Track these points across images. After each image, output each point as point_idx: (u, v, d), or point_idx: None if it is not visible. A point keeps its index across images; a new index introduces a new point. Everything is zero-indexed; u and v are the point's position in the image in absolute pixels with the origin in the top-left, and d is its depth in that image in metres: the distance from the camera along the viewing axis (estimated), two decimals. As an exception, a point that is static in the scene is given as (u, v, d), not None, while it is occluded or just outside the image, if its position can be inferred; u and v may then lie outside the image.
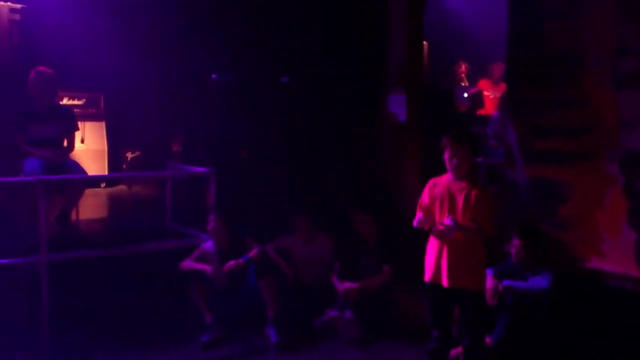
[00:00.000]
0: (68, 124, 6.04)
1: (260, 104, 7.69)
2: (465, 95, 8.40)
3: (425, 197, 4.35)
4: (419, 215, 4.24)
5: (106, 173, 7.84)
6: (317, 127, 7.32)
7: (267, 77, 7.79)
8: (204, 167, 5.88)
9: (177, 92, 8.42)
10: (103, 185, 7.88)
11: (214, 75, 8.01)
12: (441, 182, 4.32)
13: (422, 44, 7.02)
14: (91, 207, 6.79)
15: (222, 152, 7.36)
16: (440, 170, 4.34)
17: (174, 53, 8.45)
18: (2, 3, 7.30)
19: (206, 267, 5.25)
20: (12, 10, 7.38)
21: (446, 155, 4.23)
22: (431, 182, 4.39)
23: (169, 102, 8.36)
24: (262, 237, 5.65)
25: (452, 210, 4.19)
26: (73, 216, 5.95)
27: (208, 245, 5.49)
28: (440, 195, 4.27)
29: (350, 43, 7.05)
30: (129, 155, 8.26)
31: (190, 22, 8.24)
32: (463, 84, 8.68)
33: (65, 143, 6.02)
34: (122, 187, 8.10)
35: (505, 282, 4.63)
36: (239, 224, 5.58)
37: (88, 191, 6.43)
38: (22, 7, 7.39)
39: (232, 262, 5.25)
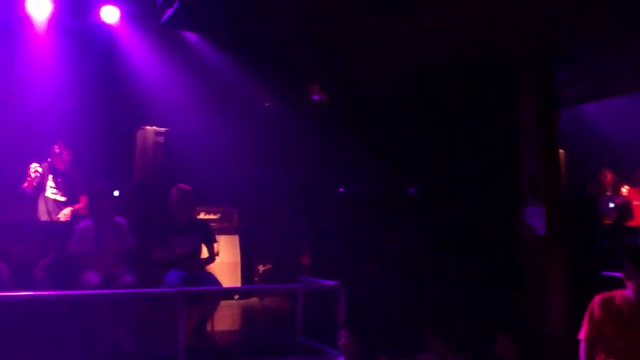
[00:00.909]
0: (206, 236, 6.33)
1: (388, 216, 7.68)
2: (612, 205, 7.93)
3: (595, 316, 3.96)
4: (587, 333, 3.92)
5: (239, 285, 8.01)
6: (447, 242, 7.17)
7: (394, 189, 7.82)
8: (334, 281, 5.86)
9: (307, 206, 8.62)
10: (236, 297, 8.05)
11: (341, 189, 8.15)
12: (615, 301, 3.95)
13: (558, 152, 6.82)
14: (225, 318, 6.90)
15: (351, 265, 7.35)
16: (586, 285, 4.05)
17: (303, 169, 8.74)
18: (148, 127, 7.95)
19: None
20: (157, 133, 8.00)
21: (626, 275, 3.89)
22: (599, 299, 4.00)
23: (299, 216, 8.56)
24: (394, 355, 5.45)
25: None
26: (208, 327, 6.07)
27: (339, 361, 5.37)
28: (617, 316, 3.90)
29: (480, 153, 6.98)
30: (261, 268, 8.44)
31: (318, 138, 8.54)
32: (608, 194, 8.26)
33: (203, 254, 6.29)
34: (254, 300, 8.22)
35: None
36: (370, 341, 5.43)
37: (222, 303, 6.56)
38: (165, 130, 7.98)
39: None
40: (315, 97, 8.95)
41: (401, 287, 7.02)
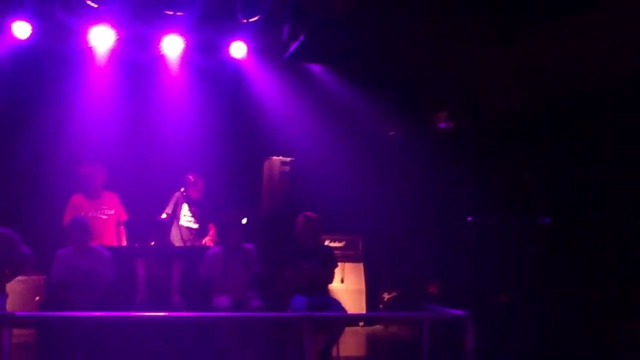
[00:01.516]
0: (328, 262, 6.38)
1: (519, 246, 7.39)
2: None
3: None
4: None
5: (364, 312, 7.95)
6: (581, 271, 6.78)
7: (526, 218, 7.53)
8: (462, 310, 5.67)
9: (434, 235, 8.47)
10: (361, 324, 7.99)
11: (469, 218, 7.95)
12: None
13: None
14: (350, 345, 6.85)
15: (480, 295, 7.11)
16: None
17: (430, 198, 8.61)
18: (275, 157, 8.16)
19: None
20: (282, 163, 8.19)
21: None
22: None
23: (425, 245, 8.42)
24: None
25: None
26: (334, 352, 6.05)
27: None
28: None
29: (617, 177, 6.58)
30: (386, 296, 8.34)
31: (444, 166, 8.40)
32: None
33: (327, 281, 6.34)
34: (378, 327, 8.12)
35: None
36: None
37: (347, 329, 6.54)
38: (291, 160, 8.16)
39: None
40: (442, 124, 8.85)
41: (533, 318, 6.71)
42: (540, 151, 7.51)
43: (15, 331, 4.67)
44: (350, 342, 7.00)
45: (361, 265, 8.22)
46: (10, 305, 5.70)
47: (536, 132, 7.54)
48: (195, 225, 7.55)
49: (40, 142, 7.95)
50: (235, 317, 5.69)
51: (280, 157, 8.18)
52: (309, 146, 8.35)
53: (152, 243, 6.56)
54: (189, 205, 7.56)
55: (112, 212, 7.25)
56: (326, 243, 7.96)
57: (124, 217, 7.36)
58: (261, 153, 8.35)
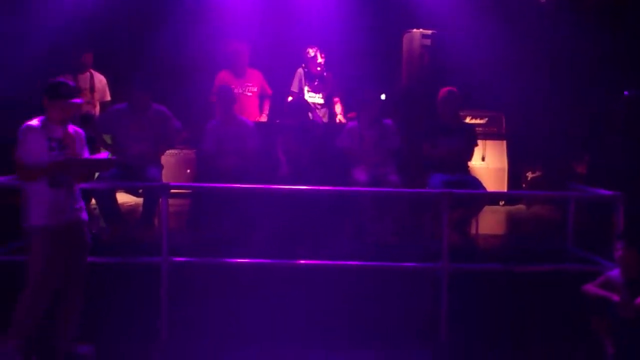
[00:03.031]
0: (470, 140, 6.24)
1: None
2: None
3: None
4: None
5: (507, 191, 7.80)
6: None
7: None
8: (611, 191, 5.37)
9: (583, 111, 7.97)
10: (502, 203, 7.86)
11: (625, 92, 7.35)
12: None
13: None
14: (490, 223, 6.80)
15: (631, 176, 6.68)
16: None
17: (580, 72, 8.05)
18: (415, 30, 7.86)
19: (613, 296, 4.75)
20: (423, 36, 7.89)
21: None
22: None
23: (573, 121, 7.97)
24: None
25: None
26: (472, 229, 6.03)
27: (614, 273, 4.97)
28: None
29: None
30: (529, 175, 8.09)
31: (597, 39, 7.76)
32: None
33: (468, 158, 6.23)
34: (520, 207, 7.95)
35: None
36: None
37: (487, 208, 6.46)
38: (432, 33, 7.84)
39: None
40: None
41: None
42: None
43: (170, 201, 5.01)
44: (491, 220, 6.94)
45: (504, 142, 7.97)
46: (164, 177, 6.11)
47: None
48: (321, 100, 7.55)
49: (186, 21, 8.17)
50: (373, 192, 5.76)
51: (421, 30, 7.87)
52: (452, 19, 7.95)
53: (291, 119, 6.68)
54: (310, 81, 7.53)
55: (256, 89, 7.41)
56: (467, 120, 7.78)
57: (268, 92, 7.52)
58: (401, 26, 8.07)
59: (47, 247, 4.17)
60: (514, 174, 7.96)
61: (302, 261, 5.01)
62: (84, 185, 4.58)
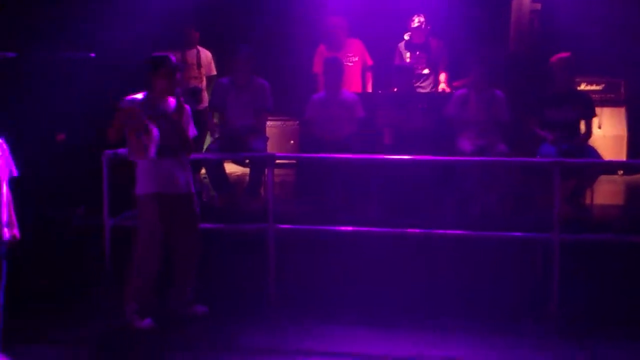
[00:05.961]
0: (586, 110, 5.93)
1: None
2: None
3: None
4: None
5: (625, 160, 7.38)
6: None
7: None
8: None
9: None
10: (621, 172, 7.42)
11: None
12: None
13: None
14: (606, 193, 6.47)
15: None
16: None
17: None
18: (524, -6, 7.54)
19: None
20: (533, 0, 7.56)
21: None
22: None
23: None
24: None
25: None
26: (587, 200, 5.74)
27: None
28: None
29: None
30: (652, 142, 7.61)
31: None
32: None
33: (582, 128, 5.92)
34: (640, 176, 7.51)
35: None
36: None
37: (603, 177, 6.13)
38: (543, -3, 7.51)
39: None
40: None
41: None
42: None
43: (275, 171, 5.11)
44: (607, 190, 6.59)
45: (623, 109, 7.56)
46: (269, 147, 6.23)
47: None
48: (426, 71, 7.30)
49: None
50: (480, 162, 5.59)
51: (532, -6, 7.56)
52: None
53: (395, 89, 6.59)
54: (412, 51, 7.31)
55: (357, 59, 7.33)
56: (582, 87, 7.41)
57: (369, 62, 7.42)
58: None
59: (152, 214, 4.39)
60: (634, 141, 7.51)
61: (408, 230, 4.94)
62: (194, 155, 4.75)
